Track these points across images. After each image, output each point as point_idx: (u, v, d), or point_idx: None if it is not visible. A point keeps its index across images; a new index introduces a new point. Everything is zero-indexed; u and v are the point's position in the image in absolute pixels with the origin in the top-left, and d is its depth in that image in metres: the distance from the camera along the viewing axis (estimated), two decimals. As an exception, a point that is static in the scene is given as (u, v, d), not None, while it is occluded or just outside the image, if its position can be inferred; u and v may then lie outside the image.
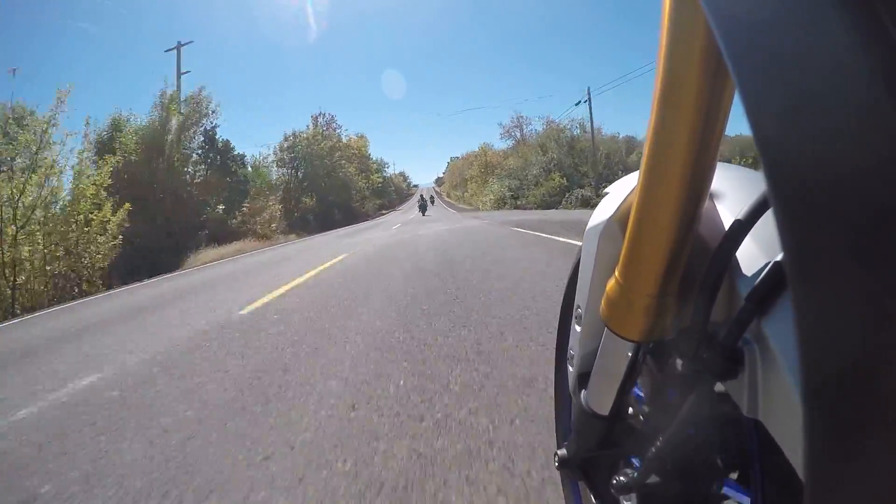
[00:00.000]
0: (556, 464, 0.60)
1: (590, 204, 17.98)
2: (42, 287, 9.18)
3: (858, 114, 0.16)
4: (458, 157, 62.67)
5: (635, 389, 0.50)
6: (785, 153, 0.18)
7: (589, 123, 25.33)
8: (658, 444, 0.42)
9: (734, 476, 0.42)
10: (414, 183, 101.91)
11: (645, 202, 0.35)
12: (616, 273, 0.40)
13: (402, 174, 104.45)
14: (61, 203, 10.73)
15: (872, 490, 0.17)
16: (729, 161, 0.58)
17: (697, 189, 0.33)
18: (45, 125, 10.42)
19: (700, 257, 0.37)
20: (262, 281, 5.50)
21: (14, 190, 9.22)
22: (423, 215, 25.30)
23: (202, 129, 20.44)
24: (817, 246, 0.17)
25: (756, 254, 0.34)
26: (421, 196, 33.82)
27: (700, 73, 0.29)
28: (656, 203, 0.35)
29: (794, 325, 0.18)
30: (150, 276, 9.44)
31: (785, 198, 0.18)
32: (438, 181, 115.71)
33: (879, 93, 0.15)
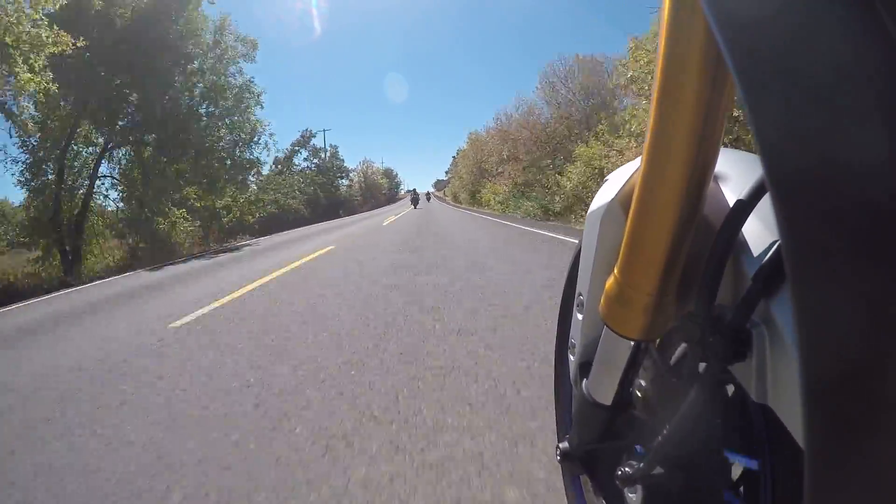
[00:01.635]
0: (558, 457, 0.59)
1: None
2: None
3: (858, 112, 0.16)
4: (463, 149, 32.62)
5: (638, 378, 0.49)
6: (785, 150, 0.18)
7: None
8: (663, 433, 0.41)
9: (741, 463, 0.41)
10: (408, 188, 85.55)
11: (646, 195, 0.35)
12: (615, 271, 0.40)
13: (388, 171, 73.07)
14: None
15: (874, 483, 0.17)
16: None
17: (699, 182, 0.33)
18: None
19: (702, 246, 0.36)
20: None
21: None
22: (415, 208, 29.13)
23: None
24: (817, 242, 0.18)
25: (762, 233, 0.33)
26: (414, 190, 39.67)
27: (700, 71, 0.29)
28: (657, 196, 0.34)
29: (793, 323, 0.18)
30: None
31: (785, 194, 0.18)
32: (438, 184, 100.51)
33: (879, 92, 0.15)
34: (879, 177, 0.15)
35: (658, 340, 0.47)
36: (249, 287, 4.14)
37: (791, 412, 0.29)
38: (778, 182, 0.18)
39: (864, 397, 0.17)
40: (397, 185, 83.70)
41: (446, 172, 78.55)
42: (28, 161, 9.27)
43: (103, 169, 10.71)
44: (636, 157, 0.44)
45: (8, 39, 6.00)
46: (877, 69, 0.15)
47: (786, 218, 0.18)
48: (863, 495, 0.18)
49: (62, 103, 9.10)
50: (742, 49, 0.20)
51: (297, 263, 5.63)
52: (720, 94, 0.30)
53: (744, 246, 0.34)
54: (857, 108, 0.16)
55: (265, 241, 11.85)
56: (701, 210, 0.35)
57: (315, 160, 35.19)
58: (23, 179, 9.28)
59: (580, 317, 0.52)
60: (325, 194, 30.64)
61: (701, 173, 0.32)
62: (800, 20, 0.18)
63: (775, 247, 0.31)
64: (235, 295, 3.81)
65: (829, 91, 0.17)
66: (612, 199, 0.46)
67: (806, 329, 0.18)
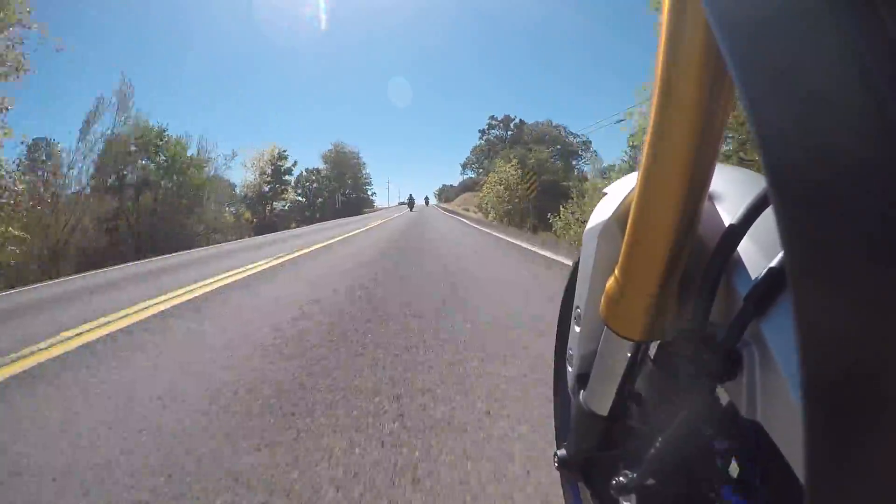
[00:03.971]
0: (556, 464, 0.60)
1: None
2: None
3: (859, 113, 0.16)
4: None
5: (635, 390, 0.50)
6: (786, 153, 0.18)
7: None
8: (657, 445, 0.42)
9: (734, 476, 0.42)
10: (401, 199, 71.40)
11: (644, 202, 0.35)
12: (616, 272, 0.40)
13: (337, 149, 43.08)
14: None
15: (872, 491, 0.17)
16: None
17: (698, 189, 0.33)
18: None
19: (699, 258, 0.37)
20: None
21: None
22: (411, 211, 29.26)
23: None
24: (818, 246, 0.17)
25: (755, 255, 0.34)
26: (410, 196, 38.44)
27: (700, 72, 0.29)
28: (656, 203, 0.35)
29: (793, 324, 0.18)
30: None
31: (786, 197, 0.18)
32: (444, 192, 72.64)
33: (879, 92, 0.15)
34: (881, 178, 0.15)
35: (654, 354, 0.48)
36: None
37: (779, 428, 0.30)
38: (779, 184, 0.18)
39: (865, 400, 0.17)
40: (364, 184, 47.02)
41: (463, 167, 52.04)
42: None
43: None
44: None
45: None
46: (877, 69, 0.15)
47: (788, 220, 0.18)
48: (863, 499, 0.18)
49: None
50: (742, 49, 0.20)
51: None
52: (720, 95, 0.30)
53: (737, 267, 0.35)
54: (857, 110, 0.16)
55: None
56: (701, 210, 0.35)
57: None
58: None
59: (578, 329, 0.53)
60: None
61: (701, 172, 0.33)
62: (800, 19, 0.18)
63: (767, 269, 0.31)
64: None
65: (829, 92, 0.17)
66: (610, 217, 0.46)
67: (807, 331, 0.18)
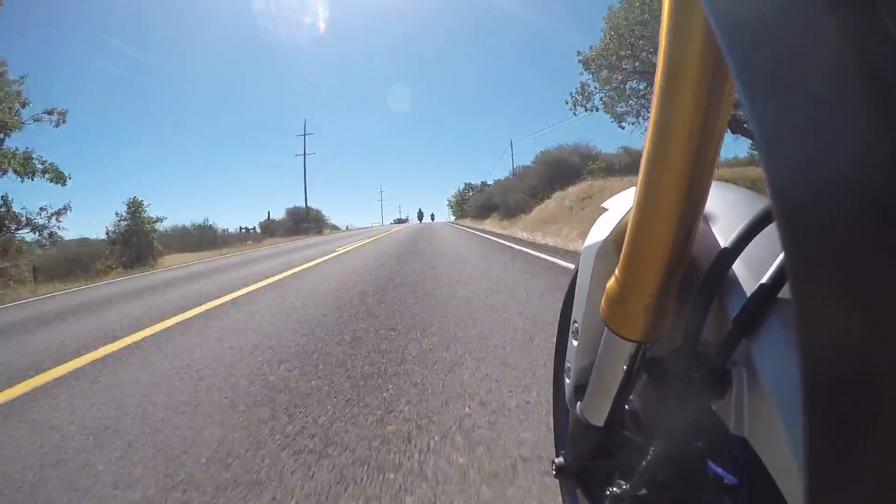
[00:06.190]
0: (554, 472, 0.61)
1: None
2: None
3: (860, 113, 0.16)
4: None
5: (630, 402, 0.52)
6: (787, 154, 0.18)
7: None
8: (650, 456, 0.43)
9: (725, 487, 0.44)
10: (400, 216, 71.82)
11: (645, 201, 0.36)
12: (616, 273, 0.41)
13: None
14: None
15: (870, 497, 0.18)
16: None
17: (697, 191, 0.34)
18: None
19: (694, 272, 0.38)
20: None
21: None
22: (420, 223, 28.67)
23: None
24: (819, 247, 0.17)
25: (745, 276, 0.35)
26: (420, 210, 43.33)
27: (700, 72, 0.29)
28: (655, 207, 0.35)
29: (794, 328, 0.18)
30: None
31: (786, 198, 0.18)
32: (463, 202, 51.26)
33: (880, 92, 0.15)
34: (882, 179, 0.15)
35: (649, 368, 0.50)
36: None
37: (765, 445, 0.31)
38: (779, 183, 0.18)
39: (866, 401, 0.17)
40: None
41: (585, 66, 13.35)
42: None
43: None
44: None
45: None
46: (878, 69, 0.15)
47: (788, 221, 0.18)
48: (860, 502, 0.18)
49: None
50: (742, 49, 0.20)
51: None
52: (719, 98, 0.30)
53: (728, 287, 0.36)
54: (858, 109, 0.16)
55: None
56: (702, 209, 0.35)
57: None
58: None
59: (575, 343, 0.55)
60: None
61: (702, 172, 0.33)
62: (801, 20, 0.18)
63: (755, 290, 0.32)
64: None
65: (831, 92, 0.17)
66: (607, 238, 0.48)
67: (809, 338, 0.18)
